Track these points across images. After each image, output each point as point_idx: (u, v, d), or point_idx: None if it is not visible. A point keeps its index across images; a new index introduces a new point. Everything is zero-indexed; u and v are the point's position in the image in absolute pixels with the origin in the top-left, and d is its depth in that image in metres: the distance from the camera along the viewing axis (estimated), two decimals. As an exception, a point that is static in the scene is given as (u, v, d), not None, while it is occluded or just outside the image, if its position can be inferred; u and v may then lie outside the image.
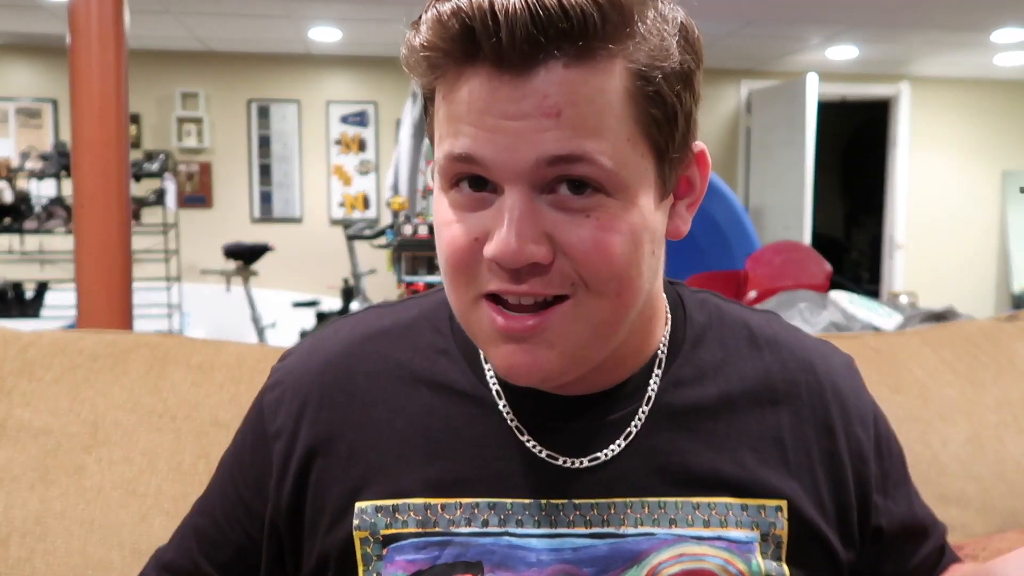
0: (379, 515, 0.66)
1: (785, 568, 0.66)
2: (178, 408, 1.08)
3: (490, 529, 0.64)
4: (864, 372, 1.25)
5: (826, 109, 6.41)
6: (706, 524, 0.65)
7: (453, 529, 0.65)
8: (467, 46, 0.54)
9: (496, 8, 0.52)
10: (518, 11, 0.51)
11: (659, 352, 0.69)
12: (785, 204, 6.04)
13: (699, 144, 0.63)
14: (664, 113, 0.57)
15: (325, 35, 5.40)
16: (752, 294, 3.60)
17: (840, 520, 0.69)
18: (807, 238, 5.80)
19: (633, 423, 0.66)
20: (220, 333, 5.15)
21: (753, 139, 6.48)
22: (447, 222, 0.59)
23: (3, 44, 5.68)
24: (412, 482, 0.66)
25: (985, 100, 6.54)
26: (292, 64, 6.01)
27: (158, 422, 1.07)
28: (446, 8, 0.54)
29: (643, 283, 0.60)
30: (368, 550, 0.66)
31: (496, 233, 0.56)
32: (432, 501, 0.66)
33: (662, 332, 0.70)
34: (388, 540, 0.66)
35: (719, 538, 0.65)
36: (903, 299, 5.33)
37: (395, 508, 0.66)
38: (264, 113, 6.04)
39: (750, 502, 0.66)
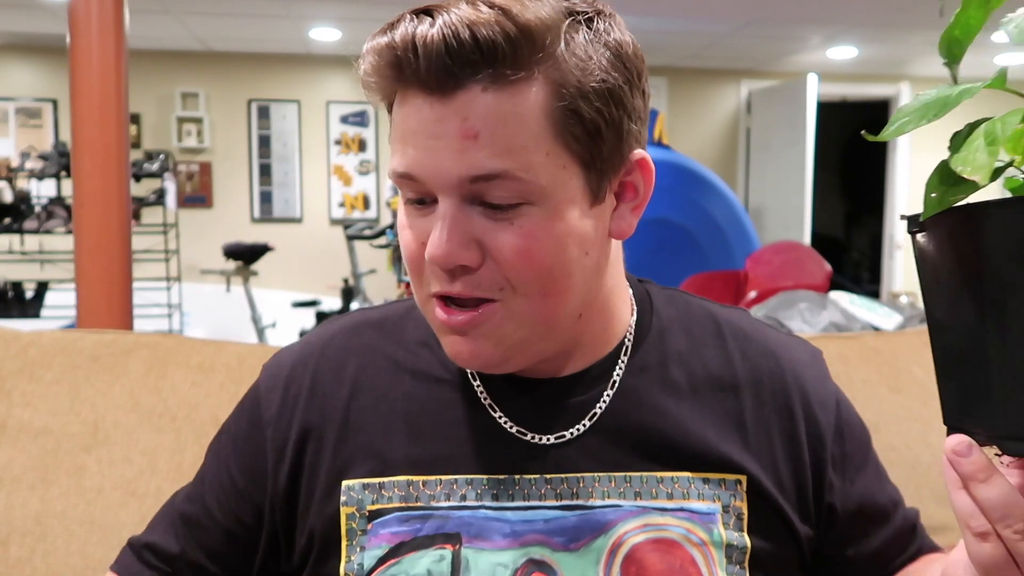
0: (366, 492, 0.71)
1: (747, 538, 0.71)
2: (178, 408, 1.08)
3: (467, 503, 0.70)
4: (864, 372, 1.25)
5: (826, 109, 6.41)
6: (669, 496, 0.70)
7: (434, 504, 0.70)
8: (396, 73, 0.61)
9: (416, 40, 0.59)
10: (435, 42, 0.58)
11: (626, 340, 0.75)
12: (785, 204, 6.04)
13: (639, 152, 0.68)
14: (584, 128, 0.62)
15: (325, 35, 5.40)
16: (752, 294, 3.60)
17: (799, 497, 0.74)
18: (807, 238, 5.80)
19: (599, 403, 0.72)
20: (220, 333, 5.15)
21: (753, 139, 6.48)
22: (403, 227, 0.67)
23: (3, 44, 5.68)
24: (396, 461, 0.72)
25: (989, 100, 6.52)
26: (292, 64, 6.01)
27: (158, 422, 1.07)
28: (380, 42, 0.61)
29: (573, 283, 0.66)
30: (354, 525, 0.71)
31: (431, 238, 0.63)
32: (414, 478, 0.71)
33: (628, 322, 0.76)
34: (373, 515, 0.71)
35: (681, 509, 0.70)
36: (903, 299, 5.33)
37: (381, 485, 0.71)
38: (264, 113, 6.04)
39: (711, 476, 0.71)
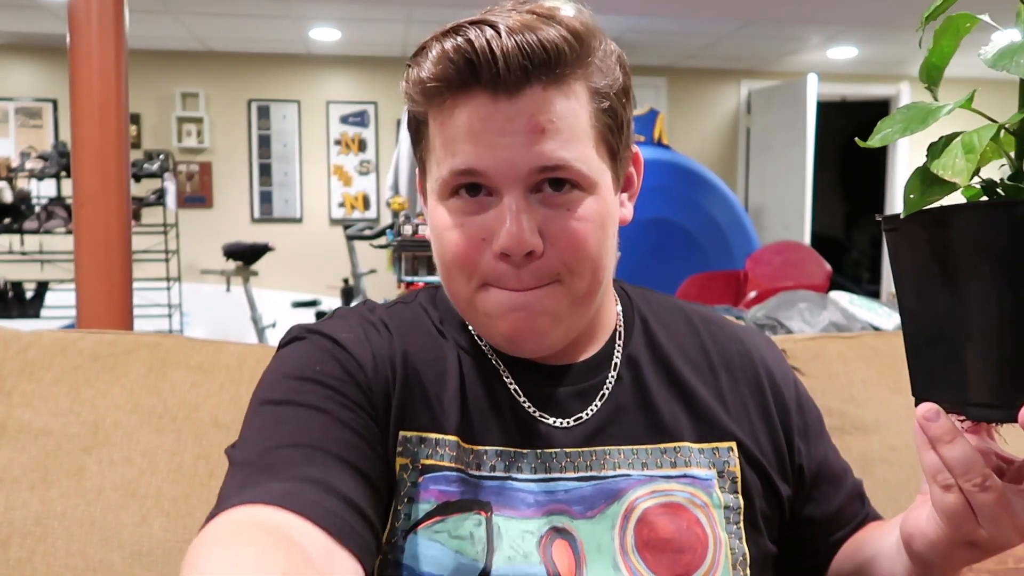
0: (423, 445, 0.75)
1: (740, 499, 0.79)
2: (178, 409, 1.08)
3: (497, 473, 0.75)
4: (864, 372, 1.25)
5: (826, 109, 6.41)
6: (673, 465, 0.78)
7: (471, 472, 0.75)
8: (467, 76, 0.67)
9: (493, 45, 0.65)
10: (510, 47, 0.65)
11: (617, 329, 0.84)
12: (785, 204, 6.04)
13: (634, 146, 0.79)
14: (615, 122, 0.73)
15: (325, 35, 5.41)
16: (752, 294, 3.61)
17: (777, 460, 0.83)
18: (807, 238, 5.80)
19: (606, 387, 0.80)
20: (220, 333, 5.15)
21: (753, 139, 6.48)
22: (448, 227, 0.72)
23: (3, 44, 5.68)
24: (448, 422, 0.76)
25: (985, 100, 6.52)
26: (292, 64, 6.01)
27: (158, 423, 1.07)
28: (449, 45, 0.66)
29: (608, 261, 0.75)
30: (406, 476, 0.74)
31: (502, 229, 0.69)
32: (462, 443, 0.75)
33: (617, 312, 0.85)
34: (426, 469, 0.74)
35: (684, 476, 0.78)
36: (903, 299, 5.32)
37: (437, 442, 0.75)
38: (264, 113, 6.04)
39: (707, 445, 0.80)
